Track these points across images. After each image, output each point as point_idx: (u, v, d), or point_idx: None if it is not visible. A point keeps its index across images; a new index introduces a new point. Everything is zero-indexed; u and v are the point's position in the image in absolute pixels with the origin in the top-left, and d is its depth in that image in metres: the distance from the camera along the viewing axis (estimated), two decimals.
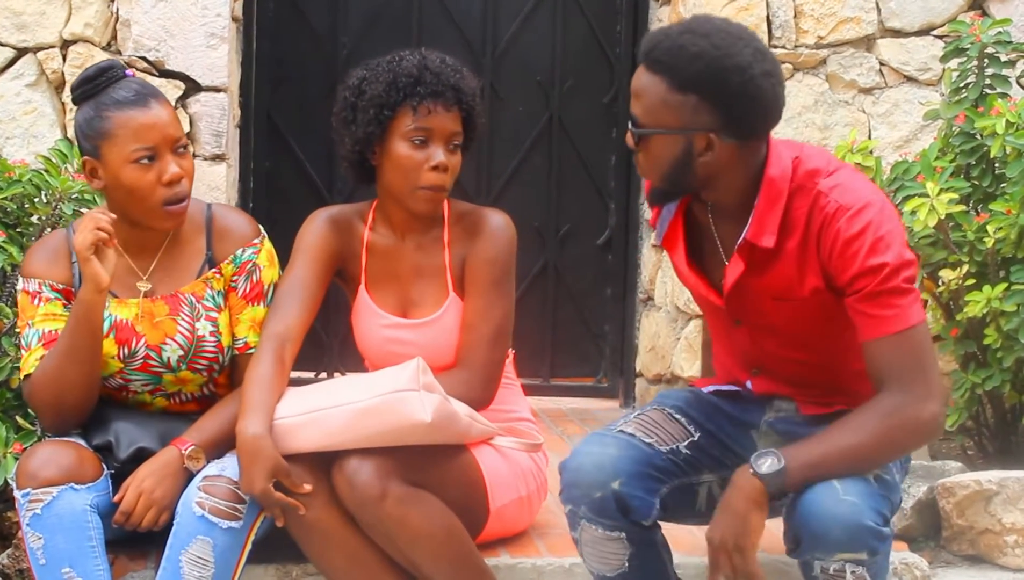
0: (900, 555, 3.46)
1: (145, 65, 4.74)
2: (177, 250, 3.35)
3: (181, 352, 3.29)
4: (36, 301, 3.27)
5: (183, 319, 3.31)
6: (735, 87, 2.87)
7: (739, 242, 2.99)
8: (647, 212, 5.34)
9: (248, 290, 3.35)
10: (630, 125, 2.96)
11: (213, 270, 3.35)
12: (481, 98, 3.46)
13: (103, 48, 4.78)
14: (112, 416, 3.27)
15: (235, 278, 3.35)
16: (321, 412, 3.15)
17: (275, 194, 5.26)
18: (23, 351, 3.28)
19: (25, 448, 3.45)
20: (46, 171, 3.91)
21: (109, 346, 3.27)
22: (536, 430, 3.56)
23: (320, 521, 3.16)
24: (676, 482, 3.09)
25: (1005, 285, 4.10)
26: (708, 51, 2.87)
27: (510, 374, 3.55)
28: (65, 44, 4.81)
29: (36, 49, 4.81)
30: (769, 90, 2.91)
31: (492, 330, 3.36)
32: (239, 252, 3.36)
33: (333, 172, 5.31)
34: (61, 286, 3.28)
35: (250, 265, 3.36)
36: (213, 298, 3.34)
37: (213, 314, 3.33)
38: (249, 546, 3.14)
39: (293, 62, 5.26)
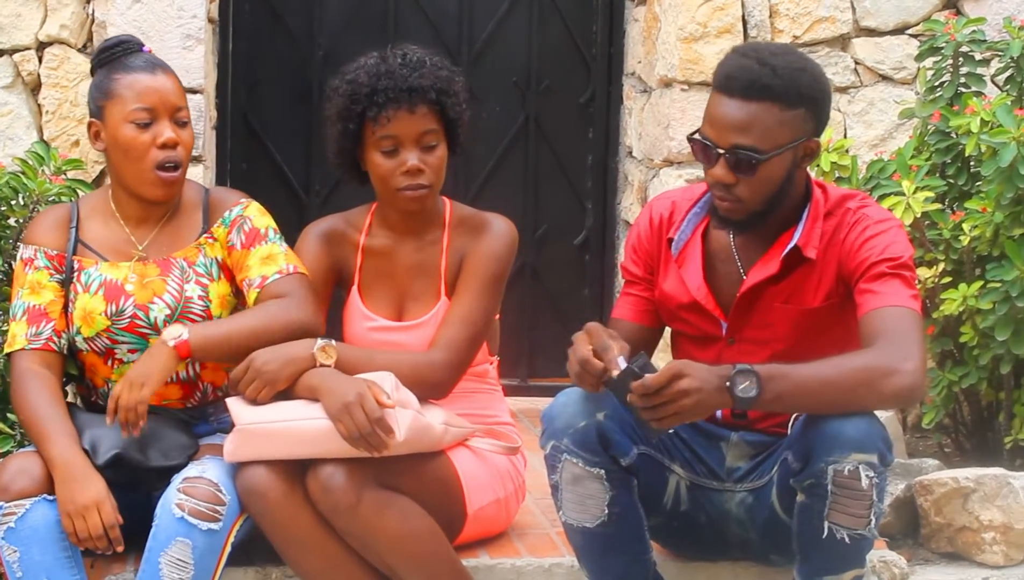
0: (879, 553, 3.47)
1: None
2: (175, 224, 3.41)
3: (168, 311, 3.31)
4: (27, 268, 3.35)
5: (173, 280, 3.34)
6: (826, 87, 3.10)
7: (788, 249, 3.09)
8: (624, 212, 5.35)
9: (245, 240, 3.38)
10: (748, 158, 3.00)
11: (205, 235, 3.38)
12: (458, 86, 3.40)
13: (79, 50, 4.77)
14: (88, 423, 3.26)
15: (229, 237, 3.38)
16: (292, 423, 3.13)
17: (252, 195, 5.20)
18: (11, 322, 3.33)
19: (3, 453, 3.44)
20: (23, 173, 3.90)
21: (97, 302, 3.31)
22: (515, 433, 3.56)
23: (296, 525, 3.15)
24: (651, 452, 3.15)
25: (981, 283, 4.11)
26: (801, 62, 3.06)
27: (492, 379, 3.54)
28: (41, 46, 4.80)
29: (12, 51, 4.79)
30: None
31: (472, 319, 3.33)
32: (226, 213, 3.41)
33: (310, 173, 5.30)
34: (54, 253, 3.35)
35: (239, 219, 3.40)
36: (205, 266, 3.37)
37: (204, 281, 3.35)
38: (229, 548, 3.14)
39: (269, 63, 5.24)
